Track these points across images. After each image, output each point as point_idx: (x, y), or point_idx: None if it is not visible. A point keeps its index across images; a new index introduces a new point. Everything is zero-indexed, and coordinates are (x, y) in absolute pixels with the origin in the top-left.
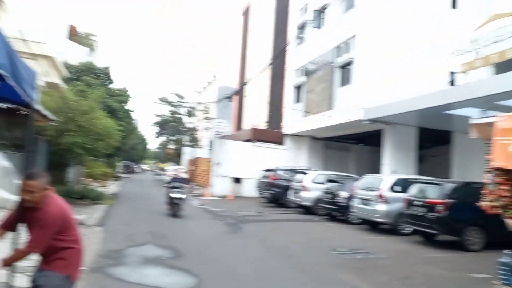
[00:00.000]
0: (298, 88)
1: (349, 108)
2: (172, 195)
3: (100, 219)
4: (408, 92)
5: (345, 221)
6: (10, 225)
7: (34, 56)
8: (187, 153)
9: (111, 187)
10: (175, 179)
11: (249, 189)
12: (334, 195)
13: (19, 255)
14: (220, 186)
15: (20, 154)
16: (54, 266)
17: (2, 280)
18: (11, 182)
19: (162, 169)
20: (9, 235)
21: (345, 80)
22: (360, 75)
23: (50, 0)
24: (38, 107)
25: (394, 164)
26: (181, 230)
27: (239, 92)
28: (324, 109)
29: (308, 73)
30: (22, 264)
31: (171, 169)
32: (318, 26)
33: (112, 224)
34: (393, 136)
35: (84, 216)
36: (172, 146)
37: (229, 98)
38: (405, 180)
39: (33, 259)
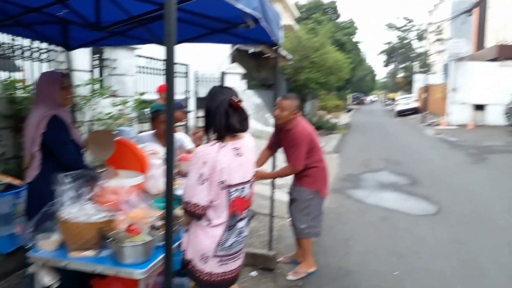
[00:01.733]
0: None
1: None
2: None
3: (336, 146)
4: None
5: None
6: (272, 147)
7: (270, 1)
8: (418, 81)
9: (343, 118)
10: None
11: (495, 116)
12: None
13: (283, 172)
14: (457, 114)
15: (266, 92)
16: (303, 182)
17: (267, 193)
18: (263, 116)
19: (392, 99)
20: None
21: None
22: None
23: None
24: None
25: None
26: (416, 158)
27: (481, 3)
28: None
29: None
30: (280, 181)
31: (401, 98)
32: None
33: (347, 151)
34: None
35: (322, 144)
36: (401, 74)
37: (467, 12)
38: None
39: (289, 177)
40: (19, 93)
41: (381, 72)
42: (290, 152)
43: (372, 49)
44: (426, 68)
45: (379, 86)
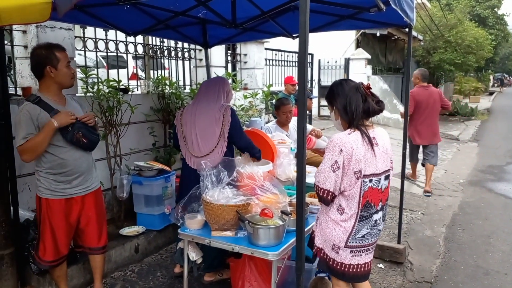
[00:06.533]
0: None
1: None
2: None
3: (474, 134)
4: None
5: None
6: None
7: None
8: None
9: (483, 103)
10: None
11: None
12: None
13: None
14: None
15: (394, 77)
16: None
17: (395, 185)
18: (391, 102)
19: None
20: None
21: None
22: None
23: None
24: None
25: None
26: None
27: None
28: None
29: None
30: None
31: None
32: None
33: (488, 139)
34: None
35: (458, 132)
36: None
37: None
38: None
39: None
40: (167, 90)
41: None
42: None
43: None
44: None
45: None
